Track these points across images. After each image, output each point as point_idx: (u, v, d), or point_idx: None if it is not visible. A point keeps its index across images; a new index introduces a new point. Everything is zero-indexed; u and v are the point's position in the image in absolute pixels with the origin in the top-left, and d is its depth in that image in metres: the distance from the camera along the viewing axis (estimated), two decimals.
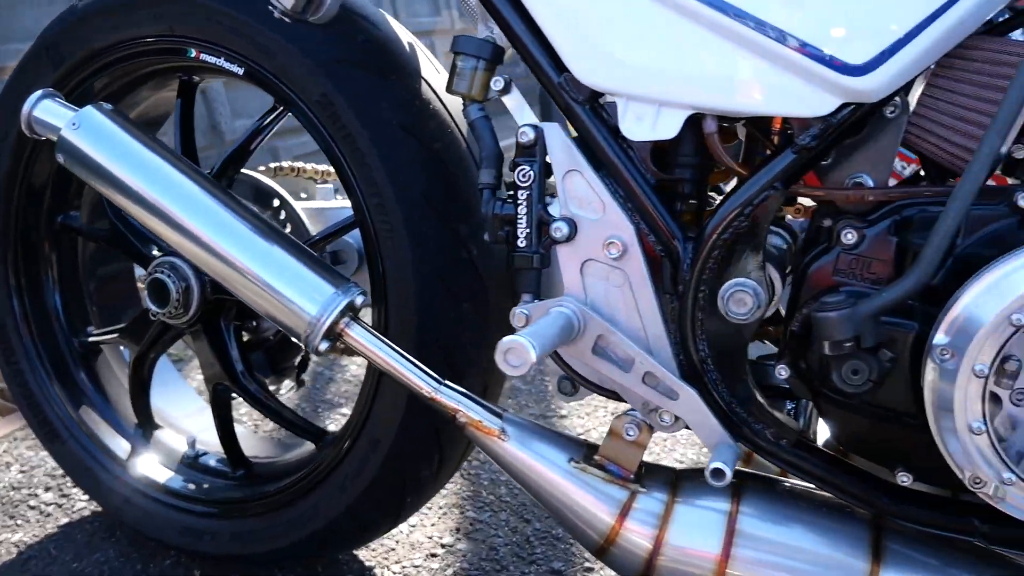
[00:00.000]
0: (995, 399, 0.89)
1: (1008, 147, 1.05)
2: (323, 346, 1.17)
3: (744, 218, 1.04)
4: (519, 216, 1.11)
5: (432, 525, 1.89)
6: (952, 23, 0.93)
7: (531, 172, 1.10)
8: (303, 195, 1.96)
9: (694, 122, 1.06)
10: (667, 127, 1.05)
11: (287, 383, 1.74)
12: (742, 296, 1.05)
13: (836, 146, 1.03)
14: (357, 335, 1.19)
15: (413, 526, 1.89)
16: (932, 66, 1.03)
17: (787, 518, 1.09)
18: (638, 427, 1.12)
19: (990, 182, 0.96)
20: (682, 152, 1.10)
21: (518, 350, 0.95)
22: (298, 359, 1.73)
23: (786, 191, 1.04)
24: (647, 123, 1.06)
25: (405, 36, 1.41)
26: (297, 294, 1.18)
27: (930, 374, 0.89)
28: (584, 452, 1.16)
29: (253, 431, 2.15)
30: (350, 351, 1.31)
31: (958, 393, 0.86)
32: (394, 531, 1.86)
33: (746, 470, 1.18)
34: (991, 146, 0.86)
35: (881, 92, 0.97)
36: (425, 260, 1.32)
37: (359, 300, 1.20)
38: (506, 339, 0.96)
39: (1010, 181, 1.12)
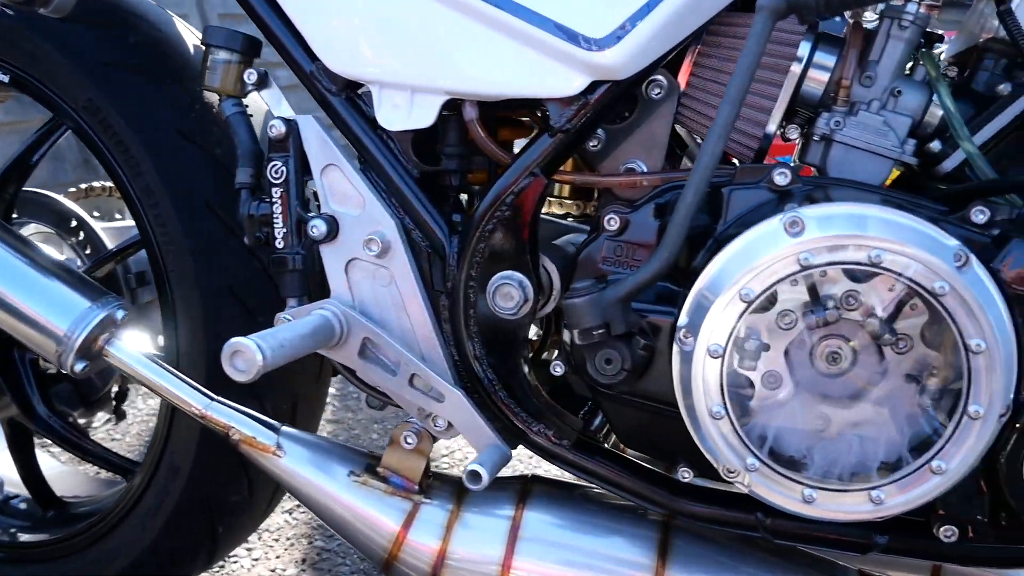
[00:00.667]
0: (748, 383, 0.84)
1: (776, 127, 1.02)
2: (79, 366, 1.08)
3: (506, 208, 0.99)
4: (275, 216, 1.04)
5: (277, 557, 1.79)
6: (680, 4, 0.90)
7: (284, 168, 1.03)
8: (118, 215, 1.86)
9: (456, 109, 1.01)
10: (423, 115, 1.00)
11: (101, 415, 1.63)
12: (508, 290, 0.99)
13: (594, 129, 0.99)
14: (118, 352, 1.10)
15: (257, 559, 1.79)
16: (699, 44, 1.01)
17: (573, 520, 1.04)
18: (417, 435, 1.06)
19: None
20: (447, 142, 1.05)
21: (245, 353, 0.87)
22: (115, 388, 1.62)
23: (548, 178, 0.99)
24: (403, 111, 1.00)
25: (191, 38, 1.34)
26: (46, 310, 1.08)
27: (675, 359, 0.84)
28: (366, 464, 1.09)
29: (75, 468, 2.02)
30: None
31: (696, 376, 0.81)
32: (238, 564, 1.75)
33: (539, 475, 1.12)
34: (724, 121, 0.83)
35: (628, 68, 0.93)
36: (212, 272, 1.24)
37: (119, 315, 1.11)
38: (232, 341, 0.88)
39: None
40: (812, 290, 0.80)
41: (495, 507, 1.04)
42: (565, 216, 1.29)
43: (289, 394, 1.35)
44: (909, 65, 1.02)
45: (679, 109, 1.01)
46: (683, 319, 0.84)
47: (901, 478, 0.79)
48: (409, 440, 1.05)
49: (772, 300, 0.81)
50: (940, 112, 0.98)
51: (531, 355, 1.08)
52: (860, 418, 0.79)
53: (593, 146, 1.03)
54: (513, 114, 1.12)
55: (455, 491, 1.07)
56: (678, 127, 1.09)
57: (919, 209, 0.89)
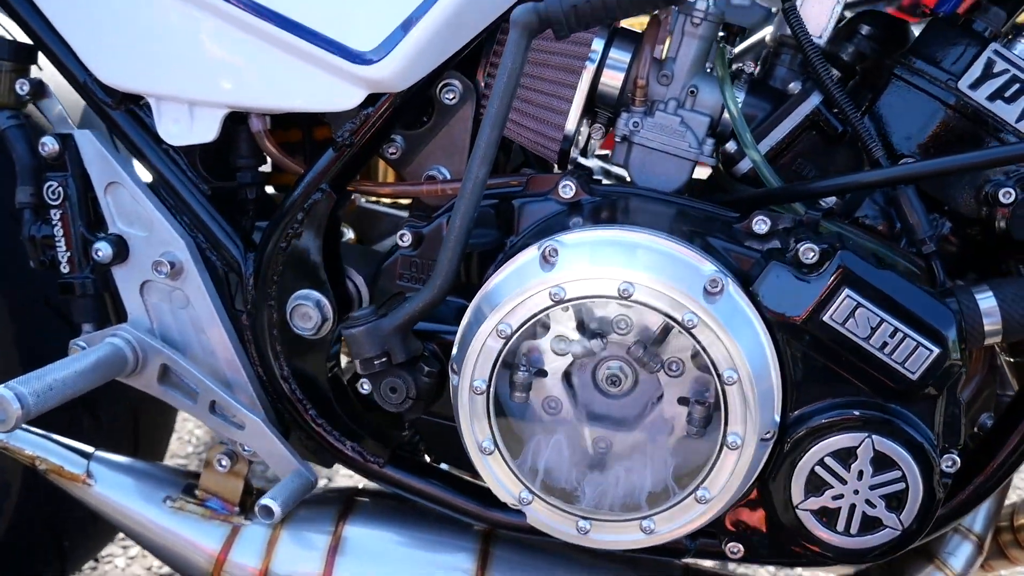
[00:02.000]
0: (520, 414, 0.83)
1: (576, 128, 0.99)
2: None
3: (298, 224, 0.95)
4: (57, 239, 0.98)
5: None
6: (461, 2, 0.85)
7: (60, 188, 0.97)
8: None
9: (245, 121, 0.96)
10: (205, 129, 0.94)
11: None
12: (305, 310, 0.96)
13: (383, 139, 0.95)
14: None
15: (133, 557, 1.76)
16: (495, 43, 0.96)
17: (395, 532, 1.03)
18: (230, 457, 1.03)
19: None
20: (238, 154, 1.00)
21: (1, 403, 0.83)
22: None
23: (339, 192, 0.96)
24: (183, 126, 0.95)
25: None
26: None
27: (451, 390, 0.83)
28: (185, 486, 1.06)
29: None
30: None
31: (463, 411, 0.80)
32: (111, 564, 1.73)
33: (361, 487, 1.11)
34: (486, 143, 0.79)
35: (405, 78, 0.88)
36: (21, 286, 1.18)
37: None
38: None
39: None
40: (580, 320, 0.78)
41: (317, 524, 1.03)
42: None
43: (128, 405, 1.32)
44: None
45: (481, 110, 0.98)
46: (454, 351, 0.82)
47: (668, 508, 0.79)
48: (223, 463, 1.03)
49: (545, 325, 0.79)
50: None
51: (341, 371, 1.06)
52: (630, 448, 0.78)
53: (392, 154, 0.99)
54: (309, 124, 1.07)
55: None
56: None
57: (706, 222, 0.88)
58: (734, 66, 0.98)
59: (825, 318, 0.76)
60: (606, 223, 0.84)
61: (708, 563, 1.06)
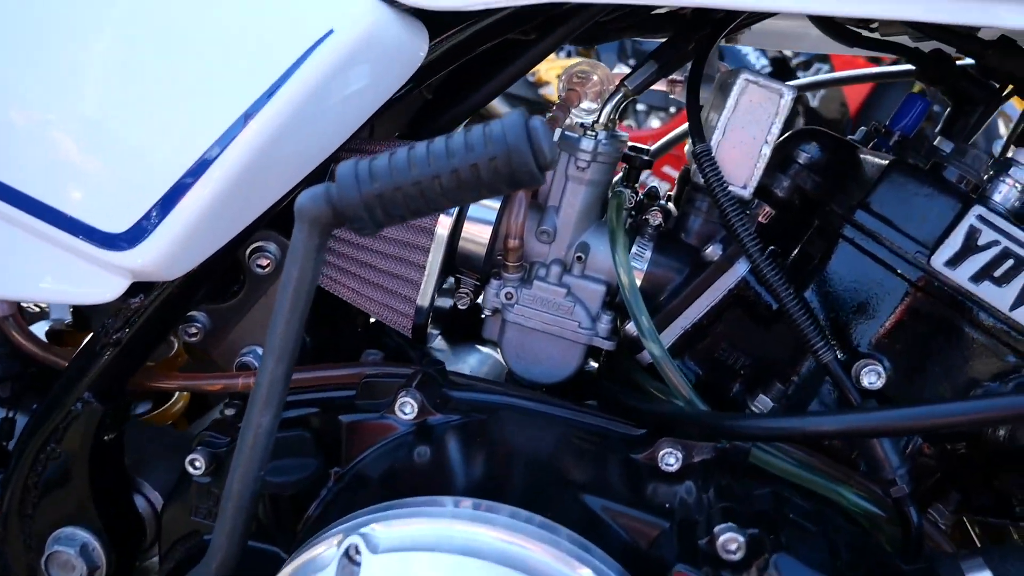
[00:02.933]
0: None
1: (432, 299, 0.76)
2: None
3: (55, 444, 0.70)
4: None
5: None
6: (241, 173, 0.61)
7: None
8: None
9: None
10: None
11: None
12: (66, 558, 0.71)
13: (168, 330, 0.71)
14: None
15: None
16: None
17: None
18: None
19: None
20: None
21: None
22: None
23: (107, 402, 0.71)
24: None
25: None
26: None
27: None
28: None
29: None
30: None
31: None
32: None
33: None
34: (268, 382, 0.55)
35: (173, 267, 0.64)
36: None
37: None
38: None
39: None
40: None
41: None
42: None
43: None
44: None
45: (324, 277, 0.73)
46: None
47: None
48: None
49: None
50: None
51: None
52: None
53: (192, 335, 0.75)
54: None
55: None
56: None
57: (597, 455, 0.65)
58: (637, 216, 0.75)
59: None
60: (448, 482, 0.60)
61: None
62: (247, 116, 0.59)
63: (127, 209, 0.61)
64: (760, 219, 0.75)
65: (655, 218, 0.73)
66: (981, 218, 0.64)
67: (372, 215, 0.52)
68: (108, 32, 0.62)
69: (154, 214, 0.61)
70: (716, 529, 0.54)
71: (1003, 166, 0.66)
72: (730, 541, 0.54)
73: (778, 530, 0.55)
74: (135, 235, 0.62)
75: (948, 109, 0.80)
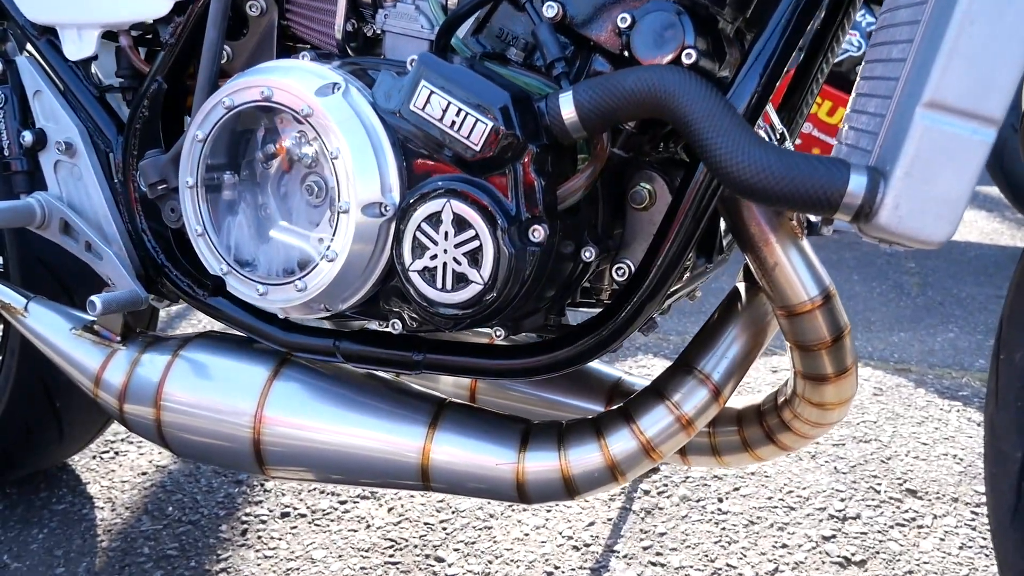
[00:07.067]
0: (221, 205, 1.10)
1: (344, 24, 1.25)
2: None
3: (145, 109, 1.28)
4: (1, 131, 1.38)
5: (159, 453, 2.13)
6: None
7: (2, 95, 1.38)
8: None
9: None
10: (88, 46, 1.32)
11: None
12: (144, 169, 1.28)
13: (194, 37, 1.27)
14: None
15: (142, 452, 2.13)
16: None
17: (223, 356, 1.30)
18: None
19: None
20: (119, 65, 1.36)
21: None
22: None
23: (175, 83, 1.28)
24: (77, 46, 1.33)
25: None
26: None
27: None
28: (87, 323, 1.40)
29: None
30: None
31: (184, 204, 1.08)
32: (126, 456, 2.09)
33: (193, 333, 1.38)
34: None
35: None
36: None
37: None
38: None
39: None
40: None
41: (160, 350, 1.32)
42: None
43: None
44: None
45: (289, 18, 1.26)
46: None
47: (310, 270, 1.02)
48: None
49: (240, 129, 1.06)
50: None
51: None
52: (283, 225, 1.03)
53: (224, 63, 1.30)
54: None
55: (145, 342, 1.36)
56: None
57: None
58: None
59: (411, 106, 0.96)
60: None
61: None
62: None
63: None
64: None
65: None
66: None
67: None
68: None
69: None
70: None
71: None
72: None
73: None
74: None
75: None
